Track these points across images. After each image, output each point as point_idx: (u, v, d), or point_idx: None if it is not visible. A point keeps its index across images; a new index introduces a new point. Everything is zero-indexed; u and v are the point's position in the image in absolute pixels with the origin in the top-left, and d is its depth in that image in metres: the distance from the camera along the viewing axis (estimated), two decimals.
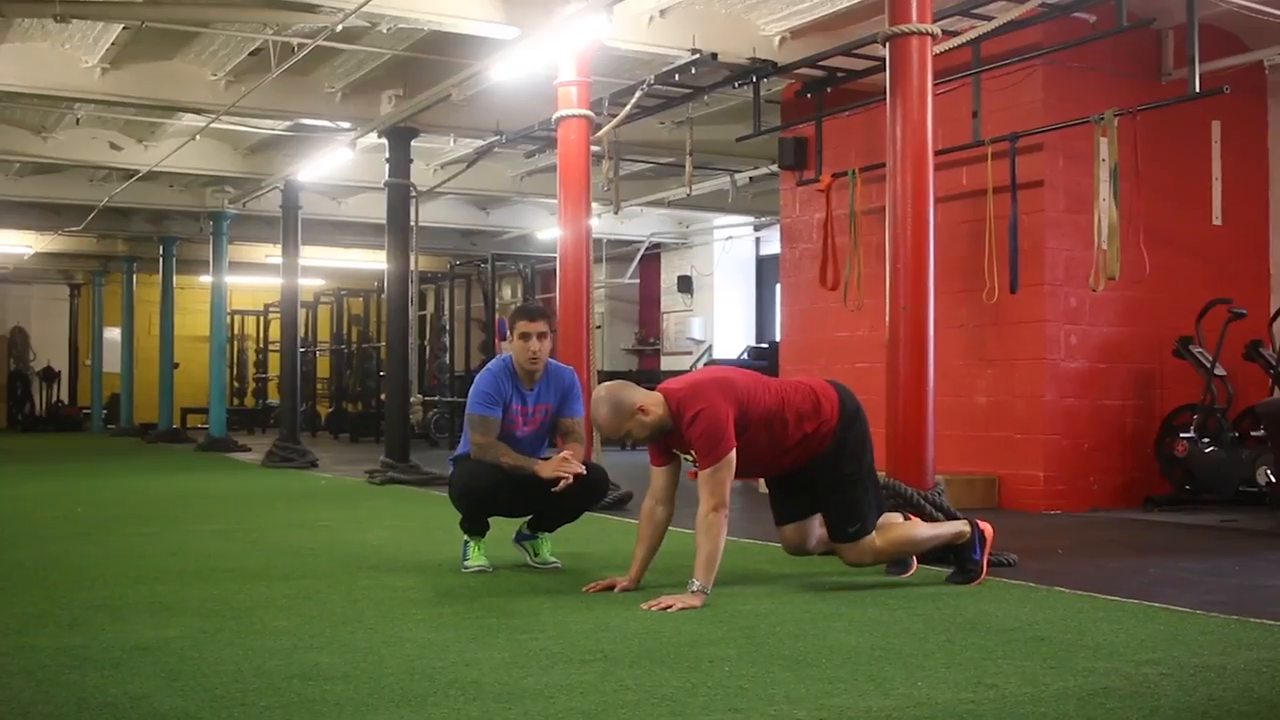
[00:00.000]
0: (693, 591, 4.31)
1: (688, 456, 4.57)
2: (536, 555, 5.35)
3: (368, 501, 9.04)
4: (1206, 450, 7.73)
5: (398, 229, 11.00)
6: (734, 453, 4.43)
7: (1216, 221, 8.65)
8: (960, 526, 4.91)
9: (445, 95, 9.25)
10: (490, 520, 5.30)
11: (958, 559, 4.88)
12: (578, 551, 5.65)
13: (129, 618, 4.14)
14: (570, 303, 8.20)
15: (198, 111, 10.81)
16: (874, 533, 4.70)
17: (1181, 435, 7.85)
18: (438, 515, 7.85)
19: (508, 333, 5.25)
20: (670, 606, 4.21)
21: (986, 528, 4.92)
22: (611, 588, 4.64)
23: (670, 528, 4.70)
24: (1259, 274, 8.76)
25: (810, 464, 4.68)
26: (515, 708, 2.94)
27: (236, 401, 23.69)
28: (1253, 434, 7.70)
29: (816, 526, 4.80)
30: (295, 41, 8.92)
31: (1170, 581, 5.03)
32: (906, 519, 5.00)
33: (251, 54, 9.63)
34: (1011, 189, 7.91)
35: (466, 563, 5.24)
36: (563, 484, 4.92)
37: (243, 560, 5.67)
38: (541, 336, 5.11)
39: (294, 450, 13.13)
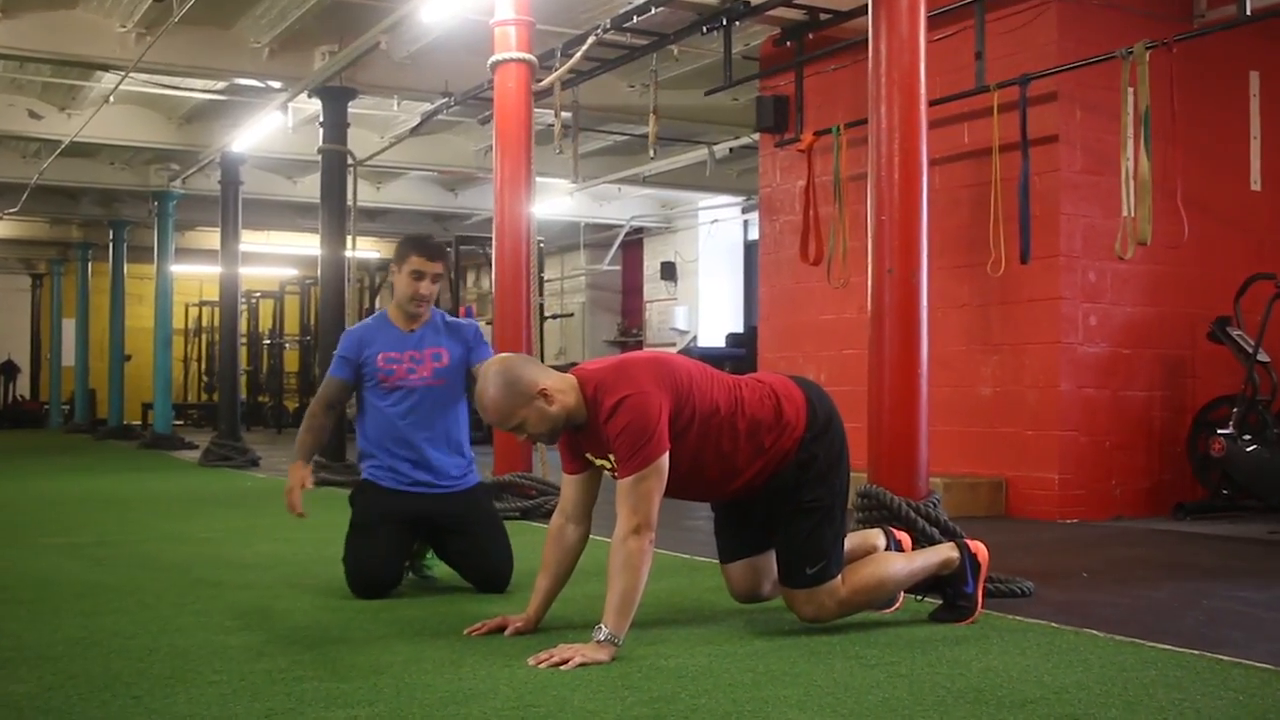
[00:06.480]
0: (599, 641, 3.18)
1: (605, 462, 3.43)
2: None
3: (281, 507, 7.87)
4: (1247, 449, 6.74)
5: (332, 203, 9.86)
6: (666, 457, 3.30)
7: (1255, 186, 7.62)
8: (948, 552, 3.75)
9: (375, 44, 8.14)
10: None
11: (946, 592, 3.75)
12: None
13: None
14: (508, 281, 7.07)
15: (106, 68, 9.70)
16: (839, 576, 3.57)
17: (1218, 432, 6.87)
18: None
19: (393, 266, 4.56)
20: (567, 661, 3.10)
21: (980, 550, 3.76)
22: (502, 629, 3.53)
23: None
24: None
25: (767, 486, 3.55)
26: None
27: (205, 396, 22.67)
28: None
29: (773, 565, 3.66)
30: None
31: (1232, 619, 3.90)
32: (893, 542, 3.87)
33: (157, 0, 8.51)
34: (1022, 145, 6.78)
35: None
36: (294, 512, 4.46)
37: (55, 587, 4.51)
38: (436, 279, 4.50)
39: (233, 448, 12.03)
